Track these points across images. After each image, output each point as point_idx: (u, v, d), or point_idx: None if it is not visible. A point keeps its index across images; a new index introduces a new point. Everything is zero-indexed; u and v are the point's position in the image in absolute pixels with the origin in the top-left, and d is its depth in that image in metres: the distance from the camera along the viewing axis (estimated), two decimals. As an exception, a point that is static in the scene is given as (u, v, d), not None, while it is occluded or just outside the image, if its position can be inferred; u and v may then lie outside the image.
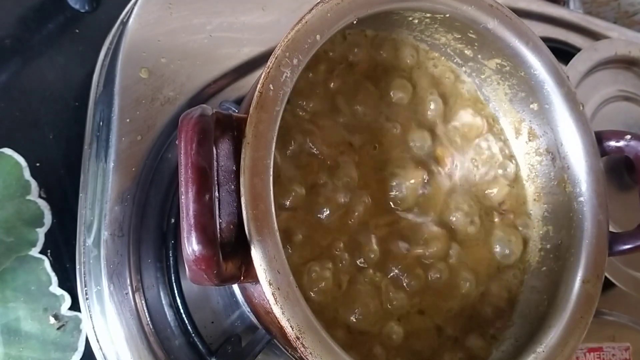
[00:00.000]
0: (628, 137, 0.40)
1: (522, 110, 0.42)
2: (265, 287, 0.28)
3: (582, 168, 0.39)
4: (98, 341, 0.40)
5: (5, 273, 0.40)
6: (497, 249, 0.41)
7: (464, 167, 0.42)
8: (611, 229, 0.39)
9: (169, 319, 0.40)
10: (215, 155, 0.29)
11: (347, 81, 0.39)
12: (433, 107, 0.41)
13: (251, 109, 0.29)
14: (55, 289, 0.41)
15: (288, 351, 0.39)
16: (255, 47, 0.45)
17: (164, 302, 0.41)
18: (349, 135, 0.38)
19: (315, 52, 0.32)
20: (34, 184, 0.42)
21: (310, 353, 0.29)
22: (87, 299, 0.41)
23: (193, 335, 0.40)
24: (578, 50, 0.57)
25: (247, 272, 0.29)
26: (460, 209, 0.40)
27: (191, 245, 0.26)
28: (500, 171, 0.43)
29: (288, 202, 0.35)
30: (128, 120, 0.40)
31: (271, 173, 0.29)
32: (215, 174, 0.29)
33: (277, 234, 0.29)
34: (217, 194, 0.29)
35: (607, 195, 0.39)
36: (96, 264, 0.39)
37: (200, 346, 0.40)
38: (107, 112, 0.41)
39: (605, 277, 0.39)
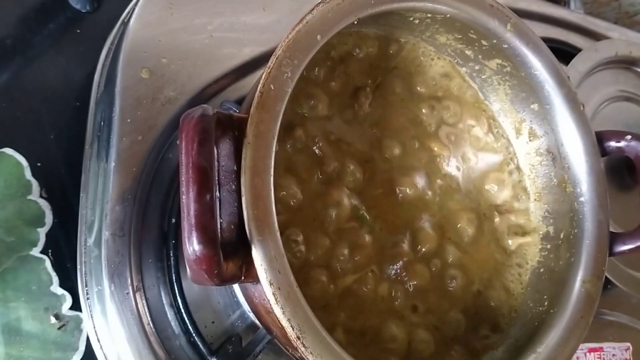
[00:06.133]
0: (628, 137, 0.40)
1: (522, 111, 0.42)
2: (266, 287, 0.28)
3: (583, 168, 0.39)
4: (99, 341, 0.40)
5: (6, 273, 0.40)
6: (498, 249, 0.41)
7: (463, 168, 0.42)
8: (611, 229, 0.39)
9: (170, 318, 0.40)
10: (216, 155, 0.29)
11: (348, 82, 0.39)
12: (433, 108, 0.41)
13: (252, 108, 0.30)
14: (56, 288, 0.41)
15: (288, 351, 0.39)
16: (256, 47, 0.45)
17: (164, 301, 0.41)
18: (348, 136, 0.38)
19: (316, 52, 0.32)
20: (35, 184, 0.42)
21: (311, 353, 0.29)
22: (88, 298, 0.41)
23: (194, 334, 0.40)
24: (579, 50, 0.57)
25: (247, 272, 0.29)
26: (460, 210, 0.40)
27: (192, 245, 0.26)
28: (500, 171, 0.43)
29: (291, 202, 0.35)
30: (129, 120, 0.40)
31: (272, 173, 0.29)
32: (216, 174, 0.29)
33: (278, 233, 0.29)
34: (218, 194, 0.29)
35: (608, 195, 0.39)
36: (97, 264, 0.39)
37: (200, 346, 0.40)
38: (108, 112, 0.41)
39: (606, 277, 0.39)
